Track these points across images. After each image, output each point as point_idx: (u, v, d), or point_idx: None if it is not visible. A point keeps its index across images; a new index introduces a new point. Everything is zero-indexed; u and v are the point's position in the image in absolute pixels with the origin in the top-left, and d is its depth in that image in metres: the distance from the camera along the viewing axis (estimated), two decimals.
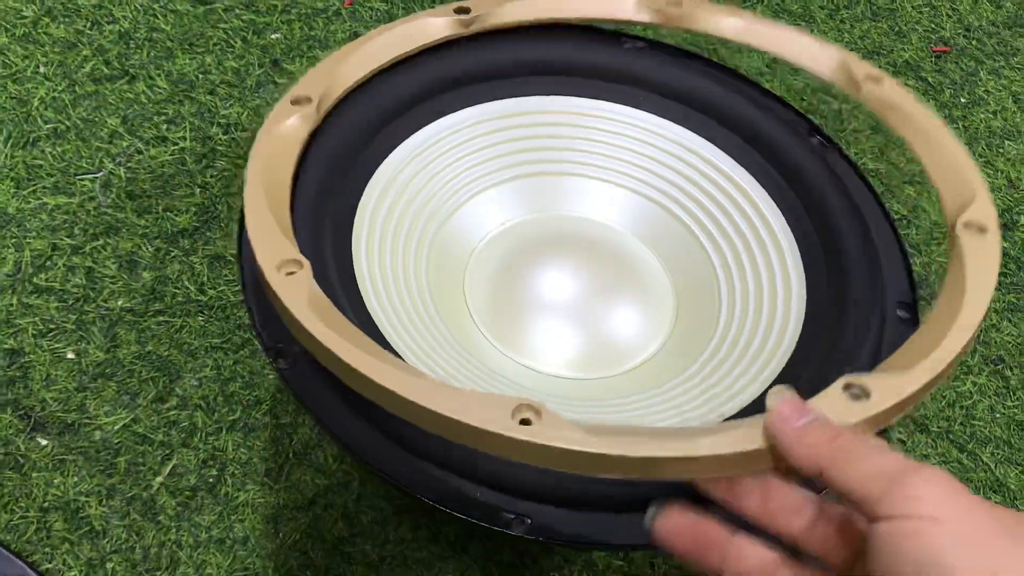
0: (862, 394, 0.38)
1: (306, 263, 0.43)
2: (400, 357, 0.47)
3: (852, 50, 0.86)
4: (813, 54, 0.58)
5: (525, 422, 0.37)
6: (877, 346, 0.50)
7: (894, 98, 0.55)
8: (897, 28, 0.90)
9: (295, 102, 0.51)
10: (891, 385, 0.39)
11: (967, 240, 0.47)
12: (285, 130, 0.50)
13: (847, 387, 0.39)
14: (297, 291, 0.41)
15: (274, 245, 0.44)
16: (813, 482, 0.35)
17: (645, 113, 0.61)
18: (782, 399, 0.36)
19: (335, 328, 0.40)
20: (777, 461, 0.36)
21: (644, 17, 0.60)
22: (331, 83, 0.53)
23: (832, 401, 0.38)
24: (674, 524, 0.37)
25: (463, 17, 0.58)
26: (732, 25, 0.59)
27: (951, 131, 0.53)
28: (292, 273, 0.42)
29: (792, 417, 0.35)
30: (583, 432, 0.37)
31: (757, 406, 0.49)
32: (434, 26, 0.58)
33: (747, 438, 0.36)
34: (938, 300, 0.45)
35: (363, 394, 0.39)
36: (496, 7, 0.59)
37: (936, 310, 0.45)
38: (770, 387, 0.46)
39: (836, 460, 0.32)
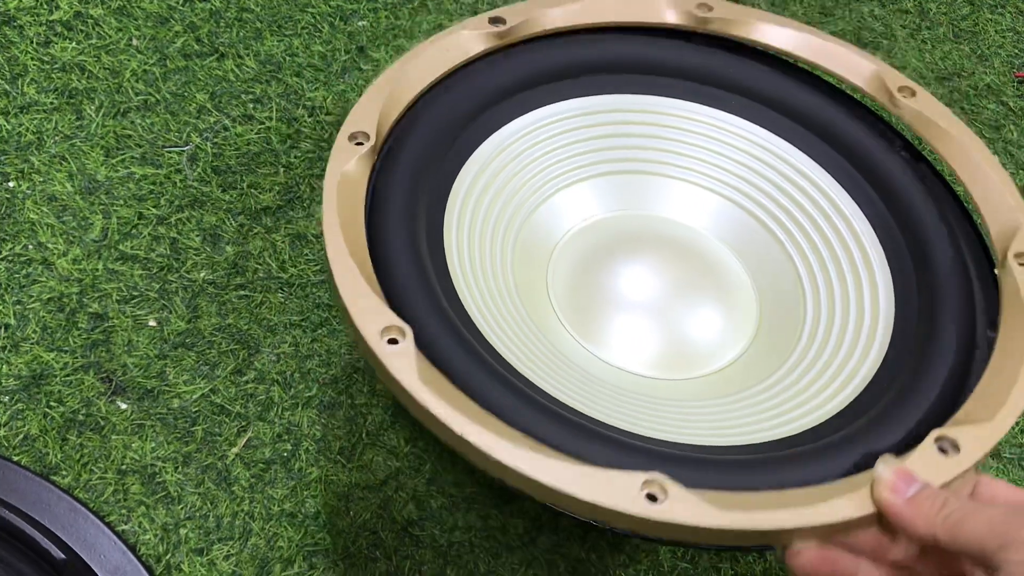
0: (952, 448, 0.41)
1: (408, 331, 0.42)
2: (488, 343, 0.47)
3: (932, 71, 0.86)
4: (849, 64, 0.58)
5: (652, 498, 0.38)
6: (966, 365, 0.50)
7: (930, 113, 0.55)
8: (979, 51, 0.90)
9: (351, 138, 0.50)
10: (979, 437, 0.41)
11: (1020, 273, 0.48)
12: (350, 172, 0.49)
13: (938, 440, 0.41)
14: (405, 363, 0.41)
15: (373, 311, 0.42)
16: None
17: (734, 116, 0.61)
18: (891, 469, 0.39)
19: (450, 401, 0.40)
20: (884, 522, 0.38)
21: (676, 20, 0.60)
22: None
23: (926, 457, 0.40)
24: (809, 557, 0.39)
25: (498, 29, 0.57)
26: (768, 32, 0.60)
27: (991, 154, 0.53)
28: (395, 341, 0.41)
29: (902, 488, 0.38)
30: (714, 508, 0.38)
31: (836, 423, 0.48)
32: (465, 39, 0.56)
33: (863, 504, 0.38)
34: (1000, 338, 0.46)
35: (486, 471, 0.40)
36: (531, 16, 0.58)
37: (1000, 349, 0.45)
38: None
39: (948, 526, 0.36)
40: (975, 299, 0.52)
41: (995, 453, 0.65)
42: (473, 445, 0.39)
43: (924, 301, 0.52)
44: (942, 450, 0.41)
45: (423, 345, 0.43)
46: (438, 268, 0.49)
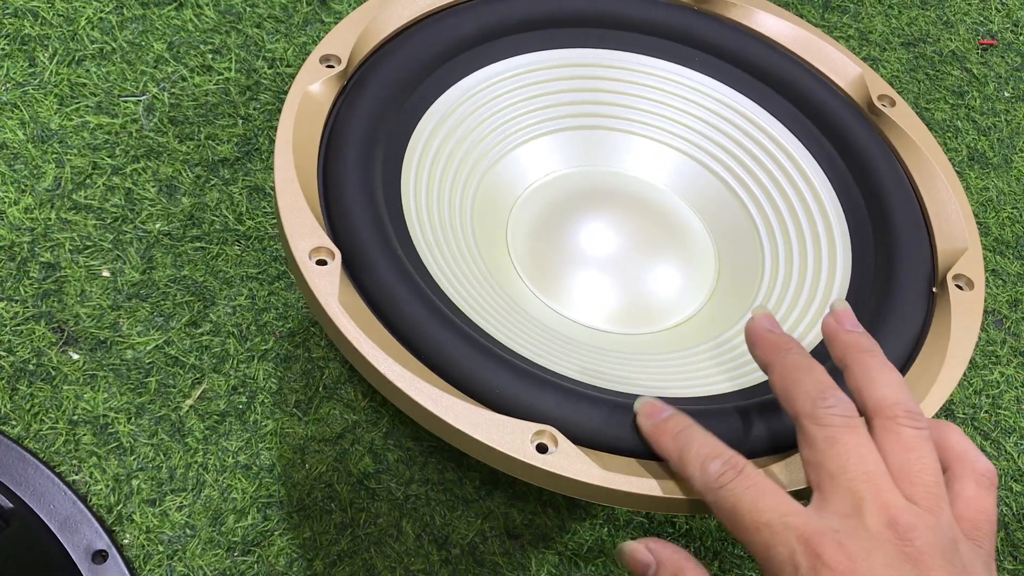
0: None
1: (338, 254, 0.42)
2: (441, 290, 0.47)
3: (898, 36, 0.86)
4: (836, 64, 0.60)
5: (542, 448, 0.39)
6: (924, 318, 0.50)
7: (906, 125, 0.57)
8: (945, 18, 0.90)
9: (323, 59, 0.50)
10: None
11: (955, 295, 0.49)
12: (316, 94, 0.49)
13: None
14: (328, 283, 0.41)
15: (307, 231, 0.43)
16: None
17: (697, 73, 0.61)
18: (645, 400, 0.41)
19: (365, 329, 0.40)
20: None
21: None
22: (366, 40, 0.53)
23: None
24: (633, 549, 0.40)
25: None
26: (764, 21, 0.62)
27: (955, 175, 0.55)
28: (323, 263, 0.42)
29: (654, 414, 0.41)
30: (596, 468, 0.38)
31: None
32: None
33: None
34: (918, 357, 0.47)
35: (389, 399, 0.40)
36: None
37: (915, 367, 0.47)
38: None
39: (677, 446, 0.39)
40: (932, 253, 0.53)
41: (948, 412, 0.66)
42: (377, 371, 0.39)
43: (881, 256, 0.52)
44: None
45: (359, 273, 0.43)
46: (391, 206, 0.49)
